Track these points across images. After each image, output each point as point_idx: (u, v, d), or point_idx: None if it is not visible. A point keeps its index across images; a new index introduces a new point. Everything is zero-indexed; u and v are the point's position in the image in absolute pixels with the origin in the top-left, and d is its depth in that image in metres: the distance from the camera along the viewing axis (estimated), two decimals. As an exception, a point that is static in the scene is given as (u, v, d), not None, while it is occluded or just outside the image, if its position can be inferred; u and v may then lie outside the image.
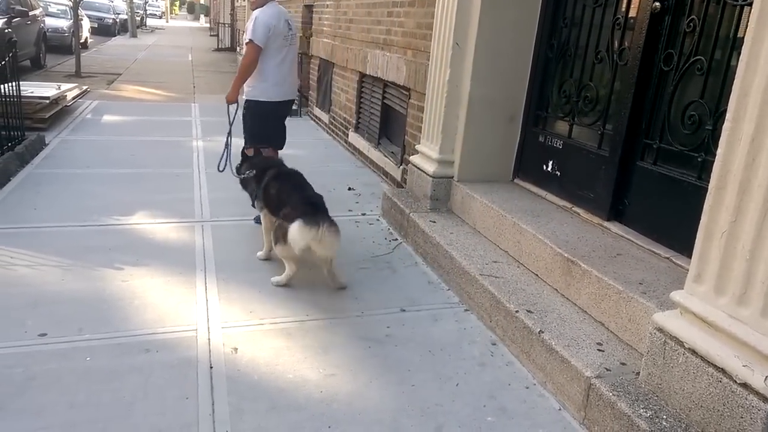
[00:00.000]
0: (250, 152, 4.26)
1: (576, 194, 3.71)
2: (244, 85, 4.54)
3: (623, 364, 2.52)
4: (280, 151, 4.80)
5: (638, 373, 2.41)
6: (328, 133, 8.11)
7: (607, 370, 2.46)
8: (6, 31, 10.80)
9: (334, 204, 5.00)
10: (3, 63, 5.55)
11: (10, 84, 5.69)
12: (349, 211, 4.94)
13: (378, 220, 4.77)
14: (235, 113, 4.57)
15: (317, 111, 8.80)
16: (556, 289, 3.15)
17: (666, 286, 2.66)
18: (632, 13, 3.27)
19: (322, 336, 3.03)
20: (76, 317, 3.02)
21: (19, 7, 11.96)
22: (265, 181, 3.78)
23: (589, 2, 3.62)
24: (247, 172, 3.99)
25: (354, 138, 6.91)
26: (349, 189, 5.54)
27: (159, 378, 2.60)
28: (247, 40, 4.38)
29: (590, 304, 2.90)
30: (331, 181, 5.72)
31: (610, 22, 3.44)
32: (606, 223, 3.43)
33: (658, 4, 3.04)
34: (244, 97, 4.60)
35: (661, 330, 2.25)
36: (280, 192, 3.64)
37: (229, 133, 4.54)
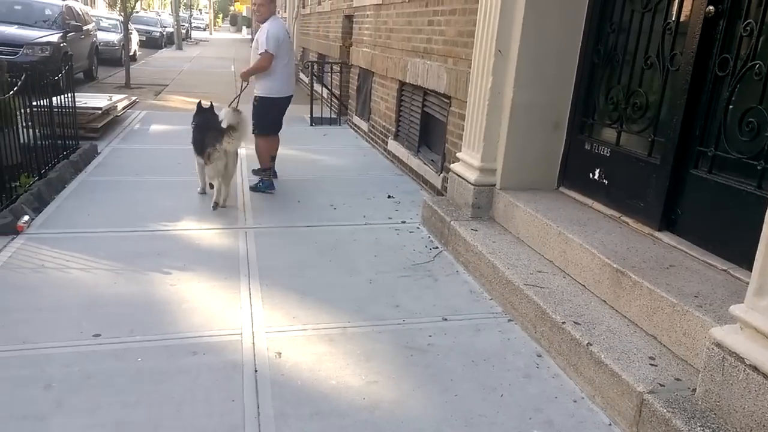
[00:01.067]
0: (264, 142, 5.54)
1: (625, 203, 3.64)
2: (256, 84, 5.47)
3: (678, 379, 2.44)
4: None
5: (694, 390, 2.32)
6: (367, 141, 8.14)
7: (661, 385, 2.39)
8: (62, 45, 11.23)
9: (374, 212, 5.06)
10: (59, 76, 5.75)
11: (65, 96, 5.89)
12: (389, 218, 4.94)
13: (418, 228, 4.76)
14: (244, 87, 5.66)
15: (356, 119, 8.85)
16: (605, 301, 3.08)
17: (723, 300, 2.57)
18: (684, 18, 3.20)
19: (364, 343, 3.03)
20: (127, 319, 3.10)
21: (73, 22, 12.42)
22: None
23: (638, 7, 3.56)
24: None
25: (393, 146, 6.93)
26: (389, 197, 5.54)
27: (206, 380, 2.64)
28: (263, 51, 5.25)
29: (641, 317, 2.82)
30: (371, 189, 5.75)
31: (661, 27, 3.37)
32: (657, 233, 3.35)
33: (712, 8, 2.97)
34: (257, 94, 5.46)
35: (719, 345, 2.16)
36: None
37: (237, 96, 5.53)
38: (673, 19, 3.28)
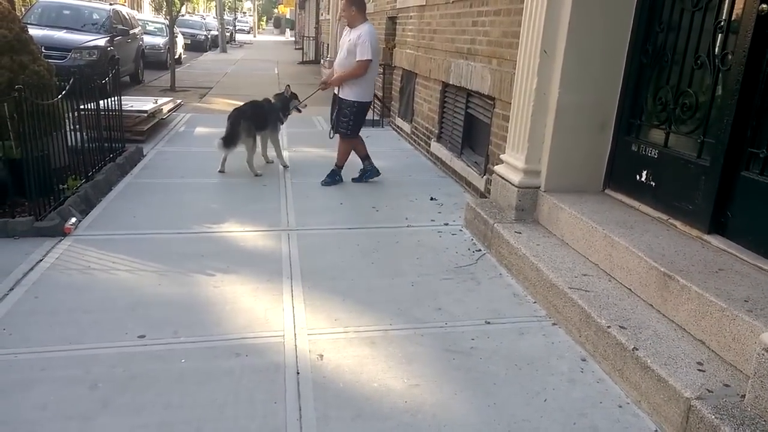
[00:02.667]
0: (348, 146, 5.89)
1: (672, 205, 3.54)
2: (344, 90, 5.60)
3: (726, 385, 2.36)
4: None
5: (743, 396, 2.25)
6: (409, 143, 8.13)
7: (709, 391, 2.32)
8: (109, 49, 11.54)
9: (417, 214, 5.05)
10: (106, 80, 5.91)
11: (112, 99, 6.04)
12: (432, 221, 4.92)
13: (461, 230, 4.72)
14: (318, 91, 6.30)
15: (399, 121, 8.85)
16: (651, 305, 3.00)
17: (775, 305, 2.48)
18: (736, 16, 3.09)
19: (406, 346, 3.02)
20: (171, 320, 3.16)
21: (120, 26, 12.76)
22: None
23: (688, 6, 3.45)
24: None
25: (436, 148, 6.90)
26: (432, 199, 5.52)
27: (249, 382, 2.67)
28: (363, 58, 5.41)
29: (689, 322, 2.74)
30: (413, 191, 5.73)
31: (711, 25, 3.26)
32: (706, 236, 3.25)
33: (765, 6, 2.86)
34: (350, 99, 5.59)
35: (771, 351, 2.09)
36: None
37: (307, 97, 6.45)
38: (725, 17, 3.18)
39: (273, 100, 6.38)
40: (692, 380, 2.39)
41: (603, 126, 4.08)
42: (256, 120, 6.05)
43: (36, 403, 2.48)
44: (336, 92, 5.81)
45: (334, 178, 5.87)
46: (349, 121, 5.65)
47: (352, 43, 5.47)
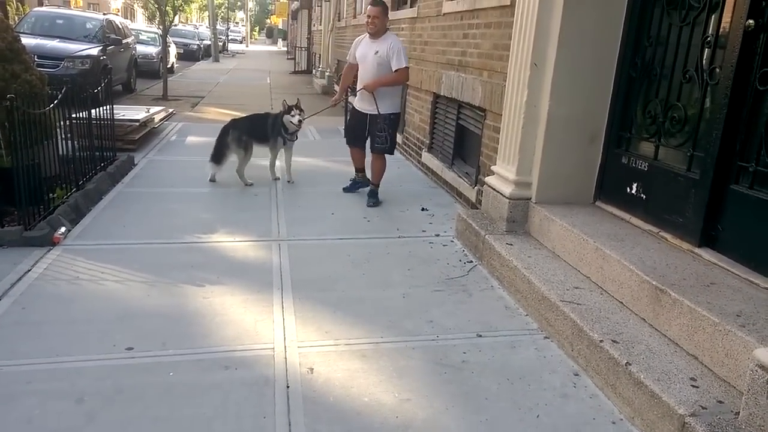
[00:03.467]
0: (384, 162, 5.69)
1: (663, 218, 3.55)
2: (381, 102, 5.36)
3: (720, 402, 2.36)
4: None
5: (737, 413, 2.24)
6: (401, 153, 8.13)
7: (703, 408, 2.31)
8: (101, 58, 11.51)
9: (408, 225, 5.04)
10: (98, 89, 5.88)
11: (104, 108, 6.02)
12: (423, 231, 4.91)
13: (452, 241, 4.71)
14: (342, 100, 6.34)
15: (391, 132, 8.84)
16: (644, 319, 3.00)
17: (767, 319, 2.48)
18: (723, 32, 3.12)
19: (397, 359, 3.00)
20: (160, 332, 3.12)
21: (113, 36, 12.73)
22: None
23: (676, 21, 3.48)
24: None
25: (427, 158, 6.90)
26: (423, 209, 5.51)
27: (238, 395, 2.64)
28: (401, 66, 5.26)
29: (682, 336, 2.74)
30: (405, 201, 5.73)
31: (699, 41, 3.29)
32: (697, 250, 3.25)
33: (752, 21, 2.88)
34: (387, 112, 5.41)
35: (763, 367, 2.08)
36: None
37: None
38: (712, 32, 3.20)
39: (277, 114, 6.15)
40: (686, 396, 2.38)
41: (593, 138, 4.09)
42: (253, 131, 6.00)
43: (21, 416, 2.44)
44: (356, 107, 5.61)
45: (377, 197, 5.63)
46: (387, 135, 5.43)
47: (382, 54, 5.25)
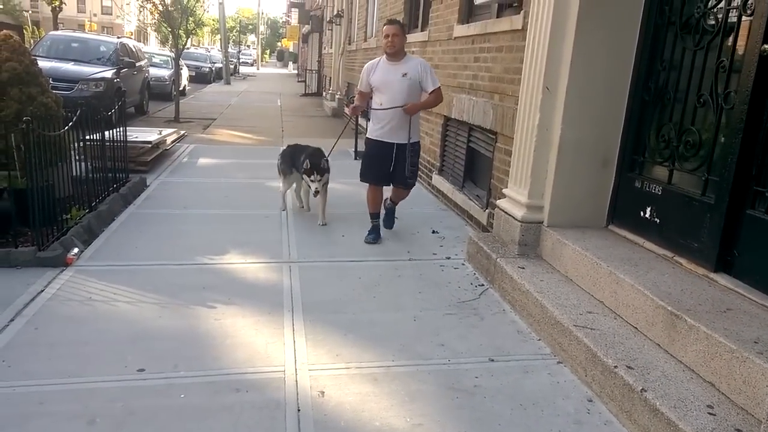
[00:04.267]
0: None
1: (678, 243, 3.52)
2: (414, 129, 5.03)
3: (738, 430, 2.31)
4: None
5: (756, 442, 2.20)
6: (412, 176, 8.15)
7: (721, 436, 2.27)
8: (115, 81, 11.66)
9: (418, 247, 5.03)
10: (112, 111, 5.95)
11: (117, 130, 6.08)
12: (434, 254, 4.90)
13: (463, 264, 4.69)
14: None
15: (401, 154, 8.88)
16: (659, 345, 2.96)
17: (785, 346, 2.45)
18: (738, 56, 3.12)
19: (409, 383, 2.97)
20: (172, 354, 3.12)
21: (127, 59, 12.91)
22: None
23: (690, 45, 3.49)
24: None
25: (438, 181, 6.91)
26: (433, 232, 5.50)
27: (248, 419, 2.62)
28: (435, 87, 4.90)
29: (698, 363, 2.70)
30: (415, 224, 5.72)
31: (714, 65, 3.29)
32: (712, 275, 3.22)
33: (767, 46, 2.89)
34: (416, 141, 5.08)
35: (782, 395, 2.05)
36: None
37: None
38: (727, 56, 3.20)
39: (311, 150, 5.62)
40: (703, 424, 2.34)
41: (606, 162, 4.08)
42: (293, 160, 5.78)
43: (32, 438, 2.43)
44: (382, 139, 5.00)
45: (394, 217, 5.53)
46: (418, 165, 5.23)
47: (412, 76, 4.85)
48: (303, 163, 5.37)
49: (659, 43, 3.76)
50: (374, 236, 5.13)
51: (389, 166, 5.00)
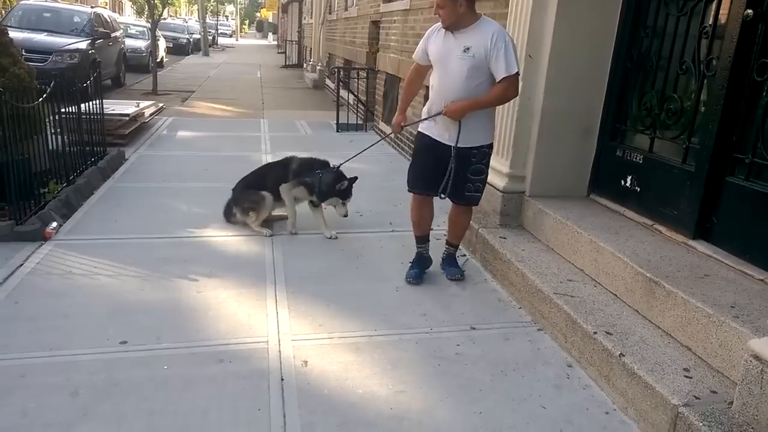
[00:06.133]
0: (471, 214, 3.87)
1: (657, 211, 3.56)
2: (478, 127, 3.48)
3: (714, 392, 2.37)
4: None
5: (731, 403, 2.25)
6: (393, 147, 8.12)
7: (696, 398, 2.32)
8: (90, 52, 11.41)
9: (401, 219, 5.01)
10: (87, 83, 5.83)
11: (93, 102, 5.96)
12: (417, 225, 4.89)
13: (445, 235, 4.69)
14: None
15: (383, 125, 8.83)
16: (637, 311, 3.01)
17: (761, 310, 2.50)
18: (721, 22, 3.12)
19: (391, 351, 2.99)
20: (154, 326, 3.10)
21: (101, 30, 12.62)
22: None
23: (673, 11, 3.48)
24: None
25: (421, 152, 6.88)
26: (416, 204, 5.49)
27: (232, 388, 2.63)
28: (513, 72, 3.26)
29: (675, 328, 2.75)
30: (397, 196, 5.69)
31: (697, 31, 3.29)
32: (691, 242, 3.27)
33: (750, 11, 2.89)
34: (478, 144, 3.50)
35: (757, 357, 2.09)
36: None
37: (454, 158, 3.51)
38: (710, 23, 3.21)
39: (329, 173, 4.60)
40: (679, 387, 2.39)
41: (588, 131, 4.09)
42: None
43: (15, 410, 2.42)
44: (432, 135, 3.58)
45: (458, 263, 3.99)
46: (485, 177, 3.63)
47: (477, 52, 3.28)
48: (331, 185, 4.46)
49: (642, 9, 3.75)
50: (416, 272, 3.83)
51: (443, 174, 3.54)
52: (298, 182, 4.54)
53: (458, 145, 3.46)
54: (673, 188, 3.41)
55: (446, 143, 3.51)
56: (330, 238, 4.53)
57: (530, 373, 2.87)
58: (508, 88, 3.33)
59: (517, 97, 4.01)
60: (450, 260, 3.98)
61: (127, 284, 3.58)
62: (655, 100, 3.61)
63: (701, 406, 2.28)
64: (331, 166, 4.58)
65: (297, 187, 4.55)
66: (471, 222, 4.09)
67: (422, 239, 3.93)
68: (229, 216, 4.70)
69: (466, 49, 3.31)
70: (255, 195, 4.54)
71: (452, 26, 3.37)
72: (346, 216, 4.59)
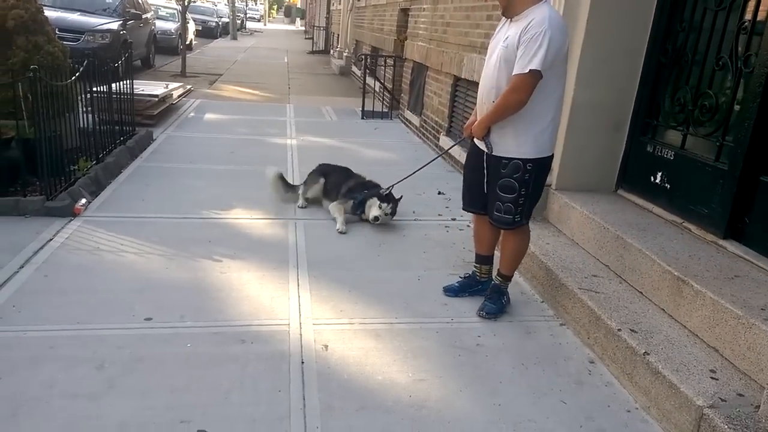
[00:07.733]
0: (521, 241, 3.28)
1: (687, 209, 3.50)
2: (502, 138, 3.01)
3: (740, 395, 2.33)
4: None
5: (758, 407, 2.21)
6: (418, 136, 8.08)
7: (722, 400, 2.29)
8: (121, 33, 11.51)
9: (424, 208, 5.00)
10: (118, 63, 5.88)
11: (124, 82, 6.02)
12: (439, 215, 4.88)
13: (468, 225, 4.66)
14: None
15: (408, 114, 8.80)
16: (663, 309, 2.96)
17: (792, 313, 2.44)
18: (761, 17, 3.05)
19: (411, 340, 2.99)
20: (178, 304, 3.14)
21: (133, 11, 12.71)
22: None
23: (711, 5, 3.40)
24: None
25: (445, 142, 6.85)
26: (439, 193, 5.48)
27: (254, 369, 2.65)
28: (525, 70, 2.77)
29: (702, 328, 2.70)
30: (421, 185, 5.67)
31: (735, 26, 3.22)
32: (721, 242, 3.21)
33: (792, 7, 2.81)
34: (518, 157, 2.97)
35: (787, 360, 2.06)
36: None
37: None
38: (749, 18, 3.13)
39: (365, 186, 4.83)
40: (705, 388, 2.36)
41: (618, 125, 4.03)
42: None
43: (43, 380, 2.47)
44: (476, 138, 3.18)
45: (501, 300, 3.33)
46: (518, 197, 3.02)
47: (511, 42, 2.84)
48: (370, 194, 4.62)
49: (679, 3, 3.67)
50: (454, 287, 3.53)
51: (482, 186, 3.21)
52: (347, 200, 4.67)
53: (492, 153, 3.05)
54: (704, 186, 3.35)
55: (483, 150, 3.14)
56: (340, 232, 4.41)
57: (551, 367, 2.85)
58: (511, 91, 2.85)
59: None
60: (492, 293, 3.35)
61: (153, 262, 3.62)
62: (689, 95, 3.54)
63: (727, 408, 2.24)
64: (383, 188, 4.68)
65: (346, 203, 4.66)
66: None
67: (478, 258, 3.54)
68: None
69: (506, 38, 2.90)
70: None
71: (507, 12, 2.94)
72: (375, 221, 4.49)
